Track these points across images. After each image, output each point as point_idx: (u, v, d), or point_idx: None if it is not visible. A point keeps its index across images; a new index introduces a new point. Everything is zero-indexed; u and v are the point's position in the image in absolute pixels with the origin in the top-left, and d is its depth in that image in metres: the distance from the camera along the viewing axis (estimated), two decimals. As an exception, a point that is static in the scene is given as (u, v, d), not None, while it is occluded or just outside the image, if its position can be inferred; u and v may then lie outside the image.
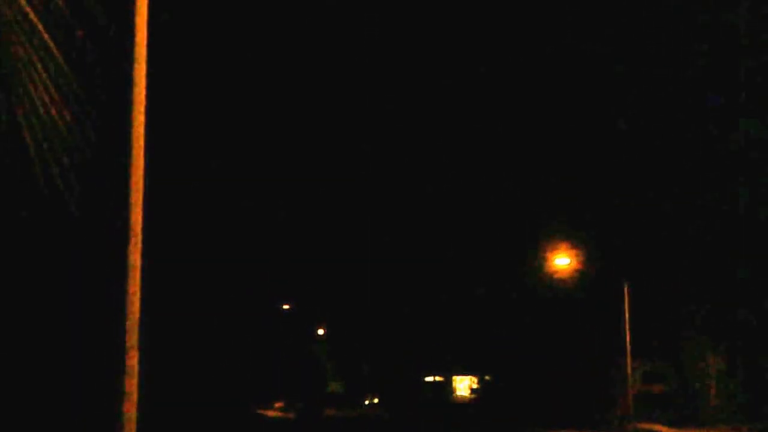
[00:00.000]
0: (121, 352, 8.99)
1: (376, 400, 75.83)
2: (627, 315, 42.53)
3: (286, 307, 74.01)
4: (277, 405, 70.06)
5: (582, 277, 49.88)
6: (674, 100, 49.45)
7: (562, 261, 47.62)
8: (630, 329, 42.58)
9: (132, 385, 9.01)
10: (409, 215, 63.42)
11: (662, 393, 51.04)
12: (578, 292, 51.48)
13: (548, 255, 49.25)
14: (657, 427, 43.60)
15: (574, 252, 47.85)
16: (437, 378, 76.43)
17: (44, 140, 9.01)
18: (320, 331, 79.63)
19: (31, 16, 8.87)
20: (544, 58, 54.10)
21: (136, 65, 9.33)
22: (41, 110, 8.98)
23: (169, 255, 32.78)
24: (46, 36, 8.90)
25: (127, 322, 9.05)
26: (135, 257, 9.20)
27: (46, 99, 8.91)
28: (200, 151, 42.74)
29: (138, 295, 9.16)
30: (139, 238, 9.24)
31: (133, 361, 9.04)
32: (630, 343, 42.59)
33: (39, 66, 8.94)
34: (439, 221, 62.66)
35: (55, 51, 9.00)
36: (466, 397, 75.53)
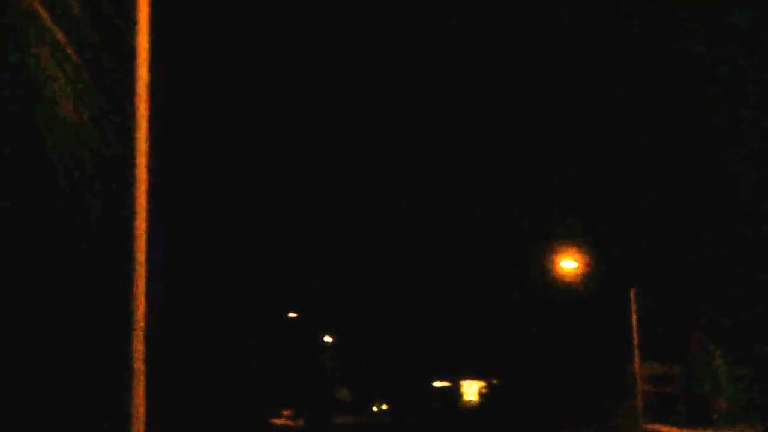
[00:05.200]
0: (128, 361, 8.97)
1: (384, 407, 75.75)
2: (635, 318, 42.38)
3: (292, 315, 73.93)
4: (285, 413, 70.00)
5: (589, 280, 49.74)
6: (683, 104, 49.40)
7: (570, 264, 47.43)
8: (638, 332, 42.43)
9: (139, 394, 8.99)
10: (417, 220, 63.40)
11: (671, 395, 50.92)
12: (586, 295, 51.38)
13: (555, 258, 49.09)
14: (666, 428, 43.50)
15: (581, 255, 47.69)
16: (445, 383, 76.36)
17: (61, 137, 9.04)
18: (327, 339, 79.54)
19: (45, 17, 8.90)
20: (557, 60, 54.11)
21: (138, 62, 9.36)
22: (57, 108, 9.00)
23: (175, 262, 32.76)
24: (59, 36, 8.93)
25: (133, 331, 9.03)
26: (140, 265, 9.19)
27: (62, 97, 8.95)
28: (207, 158, 42.73)
29: (143, 302, 9.12)
30: (144, 245, 9.23)
31: (139, 370, 9.02)
32: (638, 346, 42.45)
33: (54, 65, 8.96)
34: (447, 226, 62.65)
35: (68, 50, 9.03)
36: (474, 401, 75.44)
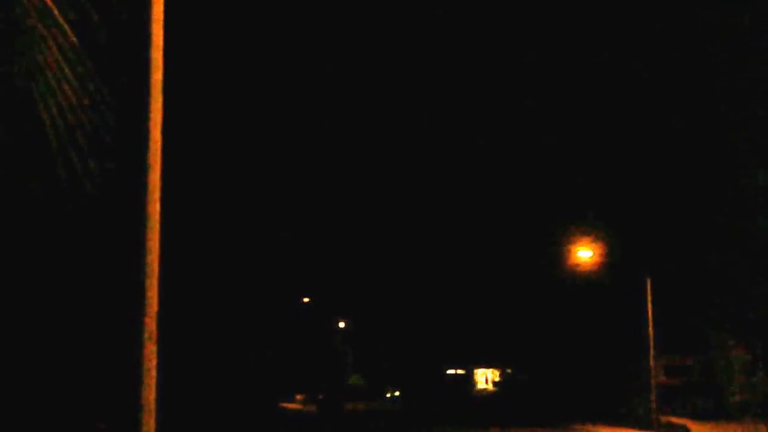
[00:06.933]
0: (140, 344, 8.89)
1: (397, 393, 75.82)
2: (650, 308, 42.19)
3: (306, 300, 73.95)
4: (298, 398, 70.17)
5: (605, 270, 49.50)
6: (697, 92, 49.04)
7: (585, 254, 47.26)
8: (653, 323, 42.25)
9: (151, 377, 8.92)
10: (431, 207, 63.27)
11: (686, 386, 50.69)
12: (601, 285, 51.13)
13: (571, 248, 48.89)
14: (680, 420, 43.29)
15: (596, 245, 47.49)
16: (459, 371, 76.34)
17: (64, 128, 8.90)
18: (341, 324, 79.58)
19: (51, 6, 8.77)
20: (572, 50, 53.88)
21: (153, 57, 9.26)
22: (61, 98, 8.88)
23: (189, 248, 32.72)
24: (66, 26, 8.80)
25: (146, 315, 8.97)
26: (153, 249, 9.08)
27: (66, 87, 8.82)
28: (220, 144, 42.67)
29: (156, 286, 9.08)
30: (157, 230, 9.16)
31: (151, 354, 8.96)
32: (653, 337, 42.27)
33: (60, 57, 8.84)
34: (462, 214, 62.48)
35: (74, 39, 8.89)
36: (487, 389, 75.42)
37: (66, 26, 8.29)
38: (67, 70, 8.28)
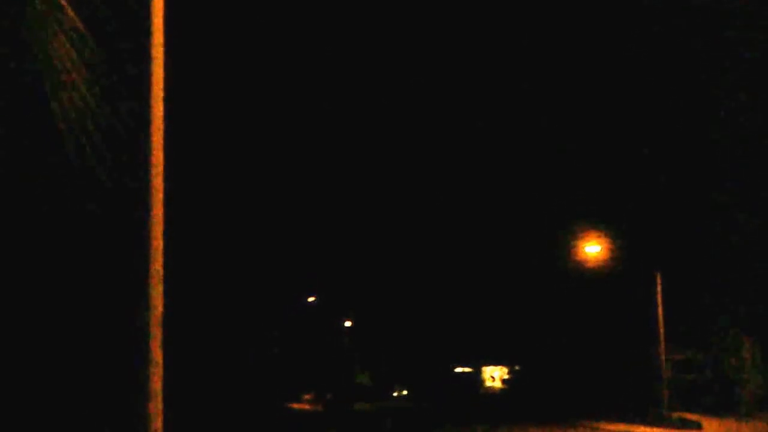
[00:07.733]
0: (146, 345, 8.82)
1: (404, 392, 75.60)
2: (660, 304, 41.89)
3: (311, 299, 73.73)
4: (305, 397, 69.96)
5: (613, 265, 49.22)
6: (703, 90, 48.87)
7: (593, 249, 46.94)
8: (663, 318, 41.95)
9: (157, 379, 8.86)
10: (439, 206, 63.11)
11: (696, 382, 50.45)
12: (610, 280, 50.86)
13: (579, 243, 48.60)
14: (691, 416, 42.99)
15: (604, 240, 47.18)
16: (467, 369, 76.14)
17: (75, 122, 8.68)
18: (347, 323, 79.32)
19: (63, 4, 8.60)
20: (578, 47, 53.74)
21: (154, 56, 9.09)
22: (74, 95, 8.68)
23: (195, 248, 32.51)
24: (77, 22, 8.60)
25: (152, 315, 8.89)
26: (157, 248, 8.96)
27: (77, 80, 8.61)
28: (224, 144, 42.50)
29: (161, 286, 8.99)
30: (161, 228, 9.11)
31: (157, 354, 8.89)
32: (663, 332, 41.98)
33: (72, 52, 8.65)
34: (469, 212, 62.31)
35: (85, 34, 8.68)
36: (496, 387, 75.22)
37: (77, 19, 8.08)
38: (78, 62, 8.09)
